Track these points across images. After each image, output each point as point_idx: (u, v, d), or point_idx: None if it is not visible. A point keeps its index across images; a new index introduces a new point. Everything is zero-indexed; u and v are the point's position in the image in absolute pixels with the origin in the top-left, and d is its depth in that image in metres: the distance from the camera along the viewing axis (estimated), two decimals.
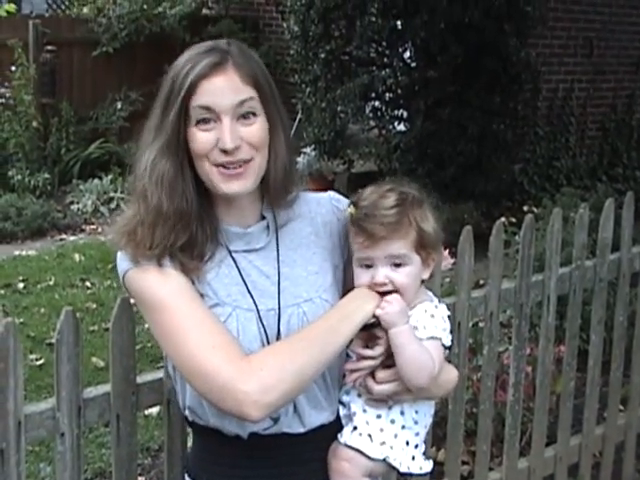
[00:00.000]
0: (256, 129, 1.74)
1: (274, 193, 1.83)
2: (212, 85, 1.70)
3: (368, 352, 1.78)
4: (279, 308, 1.79)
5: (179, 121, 1.71)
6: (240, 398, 1.60)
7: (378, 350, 1.77)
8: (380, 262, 1.80)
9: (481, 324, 3.30)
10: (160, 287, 1.70)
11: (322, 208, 1.94)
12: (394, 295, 1.77)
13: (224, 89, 1.71)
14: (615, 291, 3.60)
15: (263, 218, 1.86)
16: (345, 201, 1.95)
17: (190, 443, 1.98)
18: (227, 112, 1.70)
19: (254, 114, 1.74)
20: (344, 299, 1.79)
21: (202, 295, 1.75)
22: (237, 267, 1.80)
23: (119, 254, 1.76)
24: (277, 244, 1.85)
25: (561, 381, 3.41)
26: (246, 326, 1.75)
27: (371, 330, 1.78)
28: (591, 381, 3.45)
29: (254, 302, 1.78)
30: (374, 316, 1.76)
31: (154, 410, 3.96)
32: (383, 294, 1.79)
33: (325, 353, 1.69)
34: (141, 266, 1.71)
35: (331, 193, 1.99)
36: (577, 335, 3.33)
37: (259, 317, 1.77)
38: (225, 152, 1.70)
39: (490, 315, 2.94)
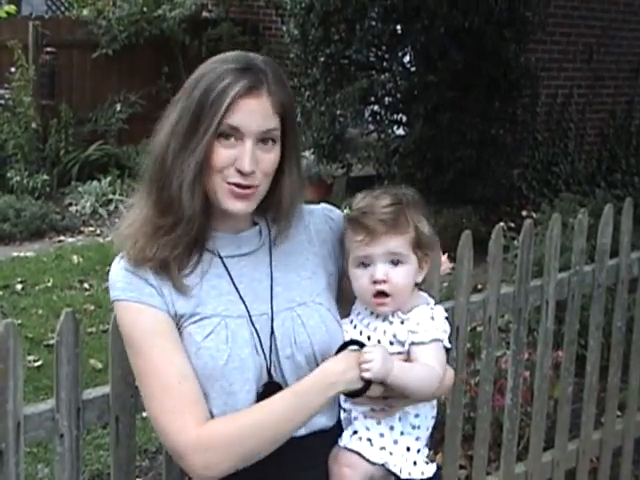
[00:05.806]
0: (271, 158, 1.76)
1: (278, 218, 1.86)
2: (245, 107, 1.71)
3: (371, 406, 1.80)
4: (272, 312, 1.80)
5: (211, 138, 1.70)
6: (187, 466, 1.71)
7: (378, 391, 1.76)
8: (379, 259, 1.81)
9: (479, 328, 3.29)
10: (137, 329, 1.74)
11: (315, 217, 1.97)
12: (367, 349, 1.74)
13: (255, 113, 1.71)
14: (613, 297, 3.60)
15: (255, 224, 1.88)
16: (337, 211, 1.99)
17: None
18: (251, 135, 1.71)
19: (273, 142, 1.76)
20: (305, 381, 1.74)
21: (190, 315, 1.75)
22: (229, 274, 1.81)
23: (113, 270, 1.77)
24: (270, 248, 1.87)
25: (559, 386, 3.41)
26: (236, 332, 1.75)
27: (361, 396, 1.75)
28: (589, 386, 3.46)
29: (246, 308, 1.79)
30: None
31: None
32: (379, 295, 1.81)
33: (276, 440, 1.71)
34: (124, 302, 1.74)
35: (323, 204, 2.02)
36: (575, 340, 3.34)
37: (251, 322, 1.77)
38: (241, 173, 1.72)
39: (488, 319, 2.94)
